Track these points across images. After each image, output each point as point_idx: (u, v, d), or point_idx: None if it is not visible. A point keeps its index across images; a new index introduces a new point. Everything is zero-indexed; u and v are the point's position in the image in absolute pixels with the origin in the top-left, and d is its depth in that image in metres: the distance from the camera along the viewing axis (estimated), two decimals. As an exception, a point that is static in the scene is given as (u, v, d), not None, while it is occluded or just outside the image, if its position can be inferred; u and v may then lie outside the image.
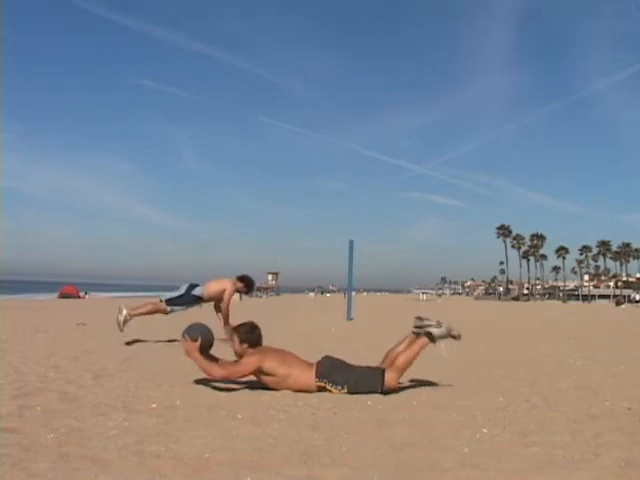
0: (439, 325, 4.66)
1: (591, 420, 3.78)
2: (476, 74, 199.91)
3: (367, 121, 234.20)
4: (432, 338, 4.62)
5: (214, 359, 4.54)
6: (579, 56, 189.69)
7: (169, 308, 7.78)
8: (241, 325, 4.65)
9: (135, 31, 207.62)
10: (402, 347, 4.68)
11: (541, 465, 2.77)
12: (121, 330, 7.48)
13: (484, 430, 3.44)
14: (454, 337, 4.67)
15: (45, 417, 3.44)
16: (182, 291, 7.83)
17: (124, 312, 7.48)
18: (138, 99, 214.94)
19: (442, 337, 4.64)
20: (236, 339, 4.53)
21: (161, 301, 7.87)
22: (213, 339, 4.54)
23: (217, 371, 4.35)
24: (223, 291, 7.84)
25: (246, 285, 8.03)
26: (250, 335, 4.54)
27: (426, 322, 4.69)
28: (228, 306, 7.78)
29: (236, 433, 3.23)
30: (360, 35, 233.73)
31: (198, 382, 4.67)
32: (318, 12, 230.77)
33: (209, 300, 7.96)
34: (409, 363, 4.58)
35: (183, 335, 4.46)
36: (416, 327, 4.73)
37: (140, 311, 7.72)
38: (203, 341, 4.41)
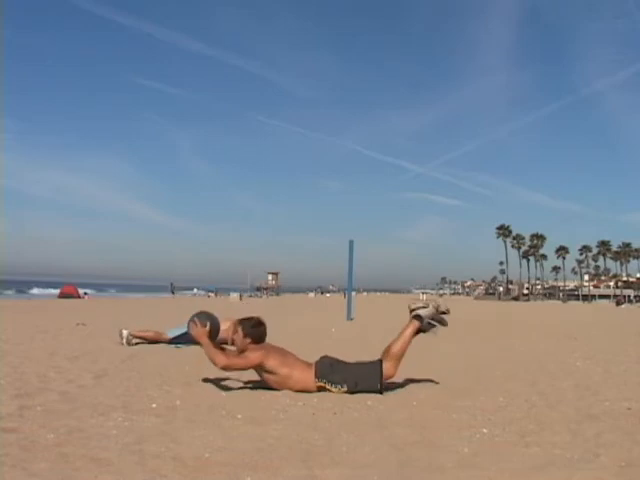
0: (426, 306, 4.68)
1: (591, 420, 3.78)
2: (476, 74, 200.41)
3: (367, 121, 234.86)
4: (420, 319, 4.62)
5: (219, 348, 4.54)
6: (579, 56, 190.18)
7: (173, 346, 7.81)
8: (247, 319, 4.59)
9: (135, 31, 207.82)
10: (396, 337, 4.69)
11: (541, 465, 2.77)
12: (124, 344, 7.47)
13: (484, 430, 3.44)
14: (443, 312, 4.68)
15: (45, 417, 3.44)
16: (185, 328, 7.85)
17: (124, 333, 7.53)
18: (138, 99, 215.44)
19: (431, 316, 4.64)
20: (240, 332, 4.48)
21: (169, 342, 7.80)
22: (219, 330, 4.59)
23: (221, 359, 4.31)
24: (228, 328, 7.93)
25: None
26: (255, 330, 4.52)
27: (413, 306, 4.72)
28: None
29: (236, 433, 3.23)
30: (360, 35, 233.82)
31: (198, 382, 4.68)
32: (318, 12, 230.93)
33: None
34: (404, 348, 4.58)
35: (192, 319, 4.50)
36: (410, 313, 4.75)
37: (142, 334, 7.75)
38: (211, 327, 4.46)
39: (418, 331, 4.68)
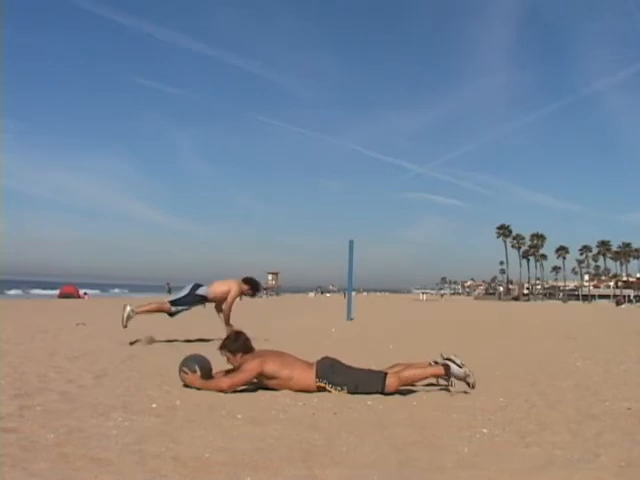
0: (461, 366, 4.59)
1: (591, 420, 3.78)
2: (476, 73, 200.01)
3: (367, 121, 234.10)
4: (448, 372, 4.53)
5: (212, 377, 4.53)
6: (579, 55, 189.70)
7: (174, 308, 7.83)
8: (224, 340, 4.65)
9: (135, 31, 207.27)
10: (416, 364, 4.65)
11: (541, 465, 2.78)
12: (124, 326, 7.55)
13: (484, 430, 3.44)
14: (468, 384, 4.58)
15: (45, 417, 3.44)
16: (186, 291, 7.88)
17: (128, 308, 7.57)
18: (138, 99, 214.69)
19: (457, 377, 4.56)
20: (228, 354, 4.52)
21: (170, 302, 7.93)
22: (210, 366, 4.54)
23: (223, 382, 4.34)
24: (228, 292, 7.86)
25: (251, 288, 8.03)
26: (237, 343, 4.53)
27: (452, 357, 4.63)
28: (230, 307, 7.81)
29: (236, 433, 3.23)
30: (360, 35, 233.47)
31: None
32: (318, 12, 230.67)
33: (213, 300, 7.98)
34: (414, 379, 4.53)
35: (181, 369, 4.46)
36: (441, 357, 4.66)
37: (144, 309, 7.79)
38: (202, 370, 4.42)
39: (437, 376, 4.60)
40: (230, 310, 7.77)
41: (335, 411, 3.86)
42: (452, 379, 4.56)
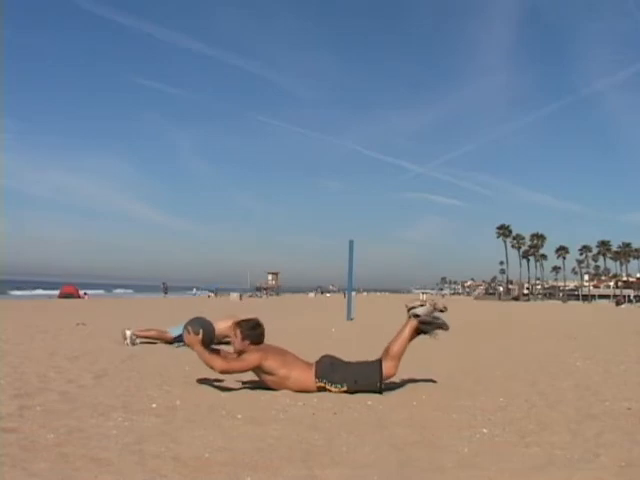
0: (423, 304, 4.77)
1: (591, 420, 3.78)
2: (476, 74, 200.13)
3: (367, 121, 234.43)
4: (418, 317, 4.69)
5: (215, 352, 4.56)
6: (579, 55, 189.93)
7: (176, 344, 7.79)
8: (245, 321, 4.62)
9: (135, 31, 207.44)
10: (397, 335, 4.72)
11: (541, 465, 2.78)
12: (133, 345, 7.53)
13: (484, 430, 3.44)
14: (440, 310, 4.78)
15: (45, 417, 3.44)
16: None
17: (128, 333, 7.57)
18: (138, 99, 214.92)
19: (428, 314, 4.72)
20: (238, 334, 4.50)
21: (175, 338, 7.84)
22: (214, 334, 4.57)
23: (219, 363, 4.34)
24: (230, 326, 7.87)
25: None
26: (253, 332, 4.52)
27: (410, 304, 4.79)
28: None
29: (236, 433, 3.23)
30: (360, 35, 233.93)
31: (198, 382, 4.68)
32: (318, 12, 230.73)
33: (218, 336, 7.97)
34: (403, 347, 4.62)
35: (185, 327, 4.50)
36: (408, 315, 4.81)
37: (144, 333, 7.83)
38: (205, 334, 4.45)
39: (418, 332, 4.73)
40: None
41: (335, 411, 3.86)
42: (430, 321, 4.72)
